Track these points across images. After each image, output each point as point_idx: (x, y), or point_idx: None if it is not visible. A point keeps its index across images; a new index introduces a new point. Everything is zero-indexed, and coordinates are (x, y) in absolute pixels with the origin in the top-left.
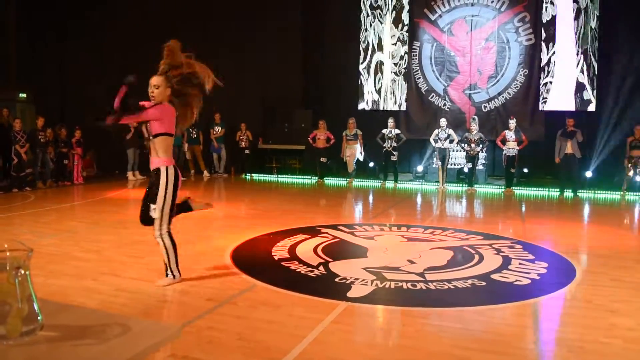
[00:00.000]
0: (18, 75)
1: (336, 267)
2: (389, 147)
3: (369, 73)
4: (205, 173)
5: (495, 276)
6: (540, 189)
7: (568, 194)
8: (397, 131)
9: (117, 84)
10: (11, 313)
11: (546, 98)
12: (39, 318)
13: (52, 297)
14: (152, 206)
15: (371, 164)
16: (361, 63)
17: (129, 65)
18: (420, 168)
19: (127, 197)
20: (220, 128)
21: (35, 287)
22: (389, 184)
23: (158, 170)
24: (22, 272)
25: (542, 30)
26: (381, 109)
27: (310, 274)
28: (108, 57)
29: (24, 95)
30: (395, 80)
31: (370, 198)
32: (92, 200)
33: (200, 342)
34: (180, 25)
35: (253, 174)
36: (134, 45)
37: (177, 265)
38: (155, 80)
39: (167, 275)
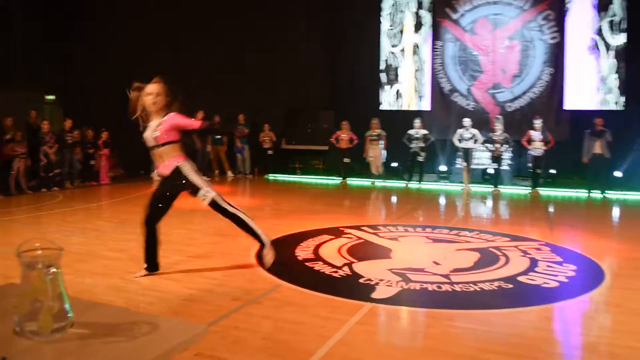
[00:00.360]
0: (46, 78)
1: (360, 267)
2: (416, 148)
3: (391, 73)
4: (229, 173)
5: (522, 278)
6: (567, 189)
7: (596, 194)
8: (425, 132)
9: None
10: (42, 310)
11: (572, 97)
12: (69, 315)
13: (80, 295)
14: (201, 193)
15: (394, 164)
16: (383, 63)
17: (153, 65)
18: (443, 168)
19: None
20: (244, 128)
21: (65, 285)
22: (414, 185)
23: (177, 167)
24: (53, 270)
25: (567, 28)
26: (403, 109)
27: (335, 275)
28: (134, 59)
29: (52, 97)
30: (417, 80)
31: (394, 199)
32: (118, 200)
33: (226, 342)
34: (207, 26)
35: (276, 175)
36: (161, 45)
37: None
38: (155, 88)
39: (263, 247)
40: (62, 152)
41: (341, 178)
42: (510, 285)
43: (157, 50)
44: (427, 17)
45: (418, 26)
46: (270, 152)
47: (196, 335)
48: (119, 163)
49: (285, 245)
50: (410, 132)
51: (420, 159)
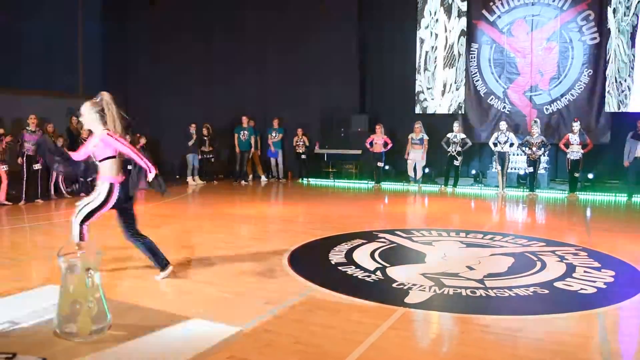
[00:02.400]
0: (86, 85)
1: (394, 272)
2: (453, 152)
3: (425, 76)
4: (263, 178)
5: (558, 284)
6: (606, 194)
7: (637, 199)
8: (463, 135)
9: (181, 94)
10: (82, 312)
11: (613, 99)
12: (107, 317)
13: (117, 297)
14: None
15: (426, 170)
16: (418, 66)
17: (190, 73)
18: (476, 172)
19: (186, 202)
20: (277, 133)
21: (103, 288)
22: (449, 189)
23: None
24: (92, 273)
25: (608, 29)
26: (437, 112)
27: (368, 279)
28: (170, 67)
29: None
30: (453, 83)
31: (428, 202)
32: (153, 205)
33: (258, 345)
34: (240, 29)
35: (310, 179)
36: (193, 49)
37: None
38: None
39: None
40: None
41: (375, 182)
42: (546, 291)
43: (190, 55)
44: (462, 19)
45: (453, 28)
46: (303, 156)
47: (230, 339)
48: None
49: (318, 249)
50: (449, 135)
51: (456, 162)
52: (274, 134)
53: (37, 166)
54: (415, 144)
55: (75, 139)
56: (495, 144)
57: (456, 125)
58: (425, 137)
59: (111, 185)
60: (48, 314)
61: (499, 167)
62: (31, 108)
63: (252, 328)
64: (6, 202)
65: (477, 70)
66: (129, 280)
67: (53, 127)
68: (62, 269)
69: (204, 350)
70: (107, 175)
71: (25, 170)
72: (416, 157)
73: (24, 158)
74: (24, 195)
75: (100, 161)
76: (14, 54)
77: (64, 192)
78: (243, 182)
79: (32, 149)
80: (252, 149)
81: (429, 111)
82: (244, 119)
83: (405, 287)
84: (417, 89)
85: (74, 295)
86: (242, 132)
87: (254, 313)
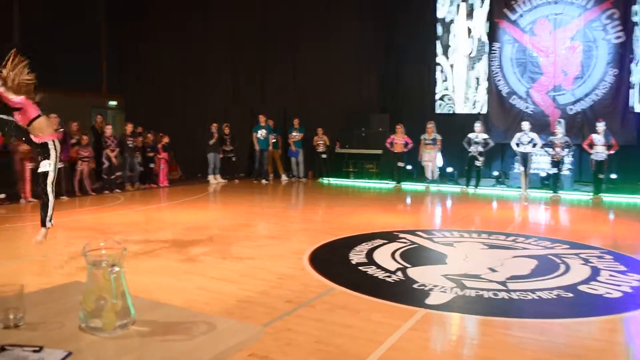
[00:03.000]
0: (109, 84)
1: (414, 273)
2: (474, 152)
3: (446, 76)
4: (283, 177)
5: (582, 287)
6: (631, 195)
7: None
8: (485, 136)
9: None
10: (106, 308)
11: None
12: (131, 313)
13: (140, 294)
14: (47, 162)
15: (450, 169)
16: (438, 65)
17: (210, 72)
18: (498, 173)
19: (207, 200)
20: (298, 133)
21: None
22: (470, 190)
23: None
24: (117, 269)
25: (633, 27)
26: (459, 112)
27: (388, 279)
28: (189, 65)
29: (114, 102)
30: (474, 83)
31: (450, 203)
32: (175, 203)
33: (279, 344)
34: (262, 28)
35: (330, 178)
36: (213, 52)
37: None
38: None
39: (46, 226)
40: (123, 155)
41: (395, 182)
42: (570, 295)
43: (210, 53)
44: (484, 19)
45: (474, 27)
46: (324, 156)
47: (252, 337)
48: (178, 166)
49: (338, 249)
50: (470, 135)
51: (478, 163)
52: (294, 133)
53: (60, 164)
54: (428, 144)
55: (98, 137)
56: (517, 145)
57: (478, 125)
58: (439, 137)
59: None
60: (73, 309)
61: (522, 168)
62: (54, 107)
63: (272, 327)
64: (32, 199)
65: (499, 69)
66: (151, 277)
67: (77, 125)
68: (87, 265)
69: (226, 348)
70: None
71: None
72: (430, 157)
73: None
74: None
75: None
76: (38, 54)
77: (88, 189)
78: (264, 180)
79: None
80: (271, 148)
81: (450, 111)
82: (261, 118)
83: (426, 288)
84: (438, 88)
85: (99, 291)
86: (260, 130)
87: (275, 312)
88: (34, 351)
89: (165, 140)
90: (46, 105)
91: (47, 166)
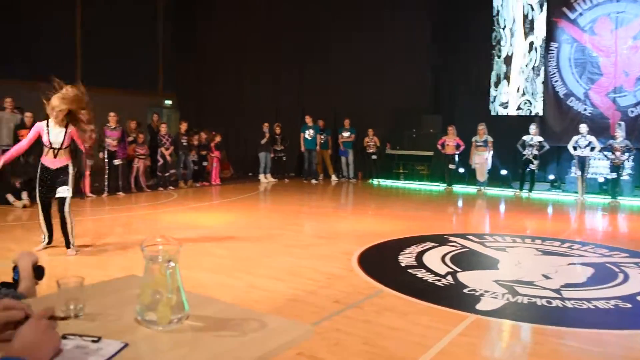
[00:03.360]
0: (165, 83)
1: (465, 277)
2: (529, 155)
3: (501, 76)
4: (333, 177)
5: None
6: None
7: None
8: (540, 139)
9: (252, 93)
10: (161, 302)
11: None
12: (185, 308)
13: (192, 289)
14: (66, 187)
15: (504, 172)
16: (494, 65)
17: (261, 72)
18: (554, 177)
19: (257, 199)
20: (349, 133)
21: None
22: (524, 194)
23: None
24: (173, 265)
25: None
26: (514, 114)
27: (438, 283)
28: (243, 68)
29: (170, 101)
30: (530, 84)
31: (502, 207)
32: (227, 201)
33: (327, 344)
34: (314, 34)
35: (380, 180)
36: (264, 53)
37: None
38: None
39: (70, 246)
40: (177, 153)
41: (446, 185)
42: (629, 305)
43: (261, 54)
44: (541, 17)
45: (531, 27)
46: (374, 157)
47: (302, 335)
48: (230, 165)
49: (388, 250)
50: (525, 138)
51: (532, 166)
52: (345, 134)
53: (117, 161)
54: (479, 146)
55: (154, 135)
56: (574, 148)
57: (533, 128)
58: (490, 139)
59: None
60: (130, 302)
61: (579, 172)
62: (112, 105)
63: (321, 326)
64: (90, 195)
65: (556, 70)
66: (202, 273)
67: (135, 123)
68: (145, 260)
69: (276, 346)
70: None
71: (107, 164)
72: (481, 160)
73: (105, 153)
74: (106, 188)
75: (66, 148)
76: (97, 54)
77: (143, 186)
78: (313, 180)
79: (113, 145)
80: (318, 148)
81: (505, 112)
82: (308, 118)
83: (476, 294)
84: (493, 89)
85: (155, 285)
86: (307, 130)
87: (323, 311)
88: (93, 341)
89: (218, 139)
90: (105, 104)
91: (66, 192)
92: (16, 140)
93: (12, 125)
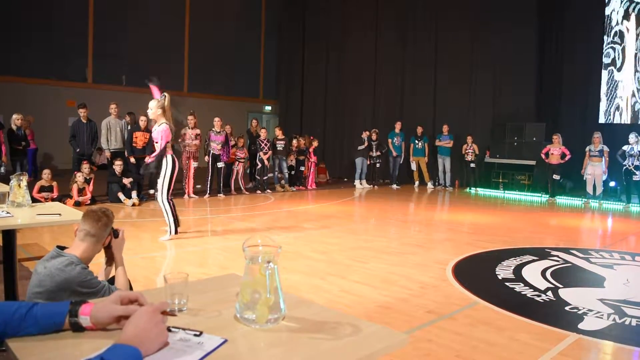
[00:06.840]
0: (265, 90)
1: (567, 294)
2: (629, 166)
3: (611, 82)
4: (429, 185)
5: None
6: None
7: None
8: None
9: (347, 101)
10: (260, 301)
11: None
12: (282, 309)
13: (285, 290)
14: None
15: (612, 184)
16: (602, 71)
17: (357, 80)
18: None
19: (353, 204)
20: (448, 139)
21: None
22: (634, 207)
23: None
24: (272, 266)
25: None
26: (625, 122)
27: (537, 299)
28: (341, 75)
29: (269, 108)
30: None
31: (610, 221)
32: (322, 205)
33: (418, 354)
34: (412, 35)
35: (478, 189)
36: (369, 65)
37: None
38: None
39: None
40: (274, 158)
41: (549, 195)
42: None
43: (357, 62)
44: None
45: None
46: (472, 165)
47: (396, 344)
48: (326, 170)
49: (484, 262)
50: (624, 148)
51: (636, 177)
52: (443, 140)
53: (220, 164)
54: (594, 157)
55: (254, 139)
56: None
57: (632, 137)
58: (606, 149)
59: (173, 157)
60: (229, 299)
61: None
62: (217, 111)
63: (412, 336)
64: (193, 195)
65: None
66: (297, 275)
67: (231, 128)
68: (245, 260)
69: (370, 352)
70: (168, 152)
71: (210, 167)
72: (595, 171)
73: (210, 156)
74: (208, 190)
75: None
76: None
77: (242, 188)
78: (394, 186)
79: (217, 148)
80: (409, 154)
81: (615, 120)
82: (398, 125)
83: (579, 312)
84: (601, 96)
85: (254, 285)
86: (395, 137)
87: (415, 320)
88: (195, 335)
89: (316, 144)
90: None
91: (161, 182)
92: (127, 143)
93: (118, 130)
